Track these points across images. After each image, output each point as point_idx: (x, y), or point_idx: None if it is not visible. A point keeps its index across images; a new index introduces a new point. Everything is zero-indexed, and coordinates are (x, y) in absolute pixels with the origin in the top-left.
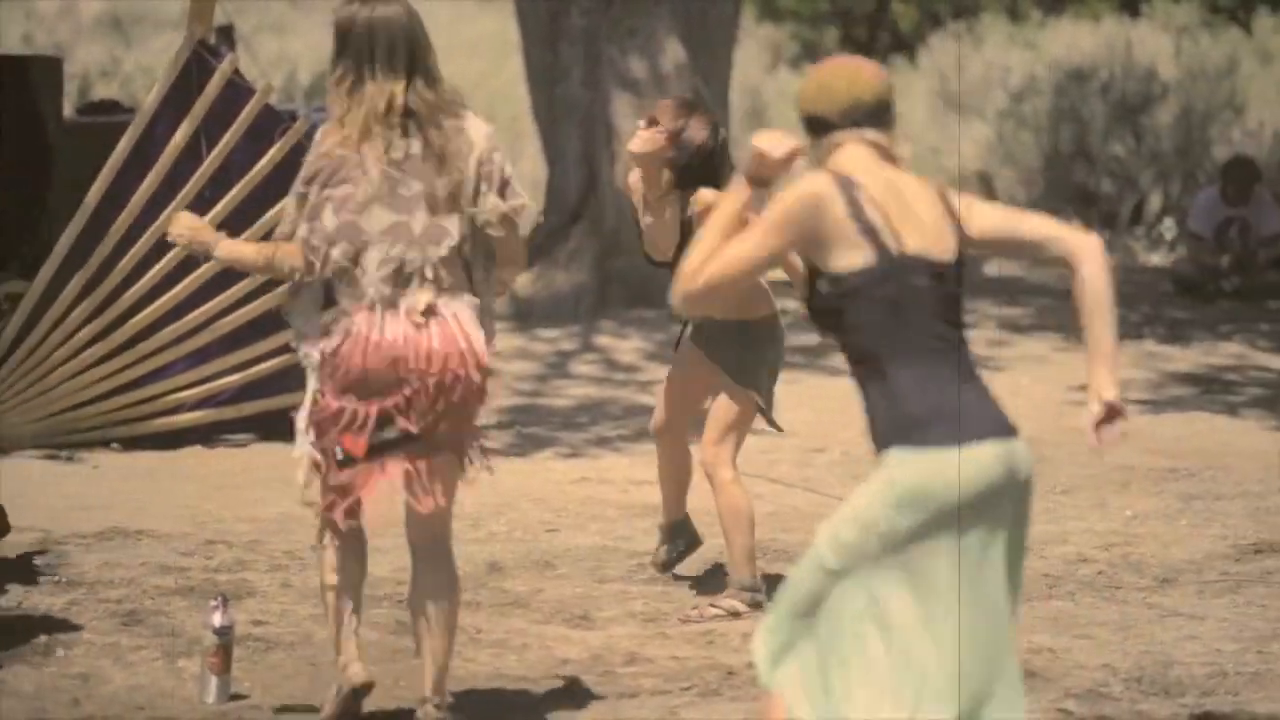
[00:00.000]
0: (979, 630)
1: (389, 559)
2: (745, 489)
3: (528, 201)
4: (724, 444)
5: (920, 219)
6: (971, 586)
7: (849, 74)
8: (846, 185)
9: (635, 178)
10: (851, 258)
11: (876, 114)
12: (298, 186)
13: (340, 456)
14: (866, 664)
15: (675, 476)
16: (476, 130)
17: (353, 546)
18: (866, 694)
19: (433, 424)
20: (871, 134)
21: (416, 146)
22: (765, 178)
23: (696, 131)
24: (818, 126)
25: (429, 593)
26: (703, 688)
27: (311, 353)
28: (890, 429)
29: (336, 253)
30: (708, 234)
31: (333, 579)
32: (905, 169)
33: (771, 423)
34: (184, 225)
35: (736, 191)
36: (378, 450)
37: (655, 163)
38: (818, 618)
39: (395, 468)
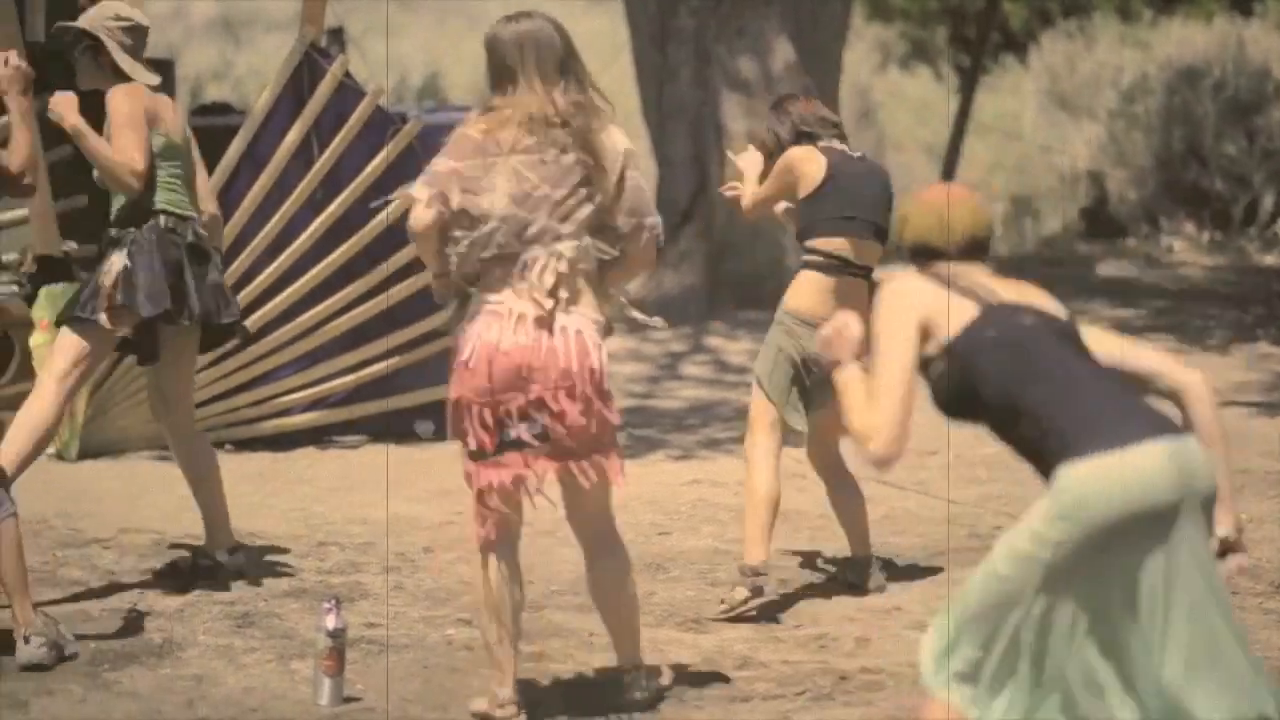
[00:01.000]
0: (1178, 634)
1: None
2: (774, 474)
3: (658, 219)
4: (754, 428)
5: (1026, 292)
6: (1159, 592)
7: (967, 207)
8: (935, 274)
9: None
10: (955, 320)
11: (985, 246)
12: (442, 163)
13: (472, 448)
14: (1047, 672)
15: (848, 510)
16: (617, 144)
17: (508, 562)
18: (1045, 701)
19: (560, 429)
20: (978, 269)
21: (555, 151)
22: (851, 355)
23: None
24: (927, 255)
25: (606, 575)
26: (815, 692)
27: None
28: (1049, 451)
29: (501, 237)
30: (854, 407)
31: (490, 597)
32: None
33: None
34: None
35: (846, 376)
36: (505, 447)
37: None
38: (992, 625)
39: (520, 466)
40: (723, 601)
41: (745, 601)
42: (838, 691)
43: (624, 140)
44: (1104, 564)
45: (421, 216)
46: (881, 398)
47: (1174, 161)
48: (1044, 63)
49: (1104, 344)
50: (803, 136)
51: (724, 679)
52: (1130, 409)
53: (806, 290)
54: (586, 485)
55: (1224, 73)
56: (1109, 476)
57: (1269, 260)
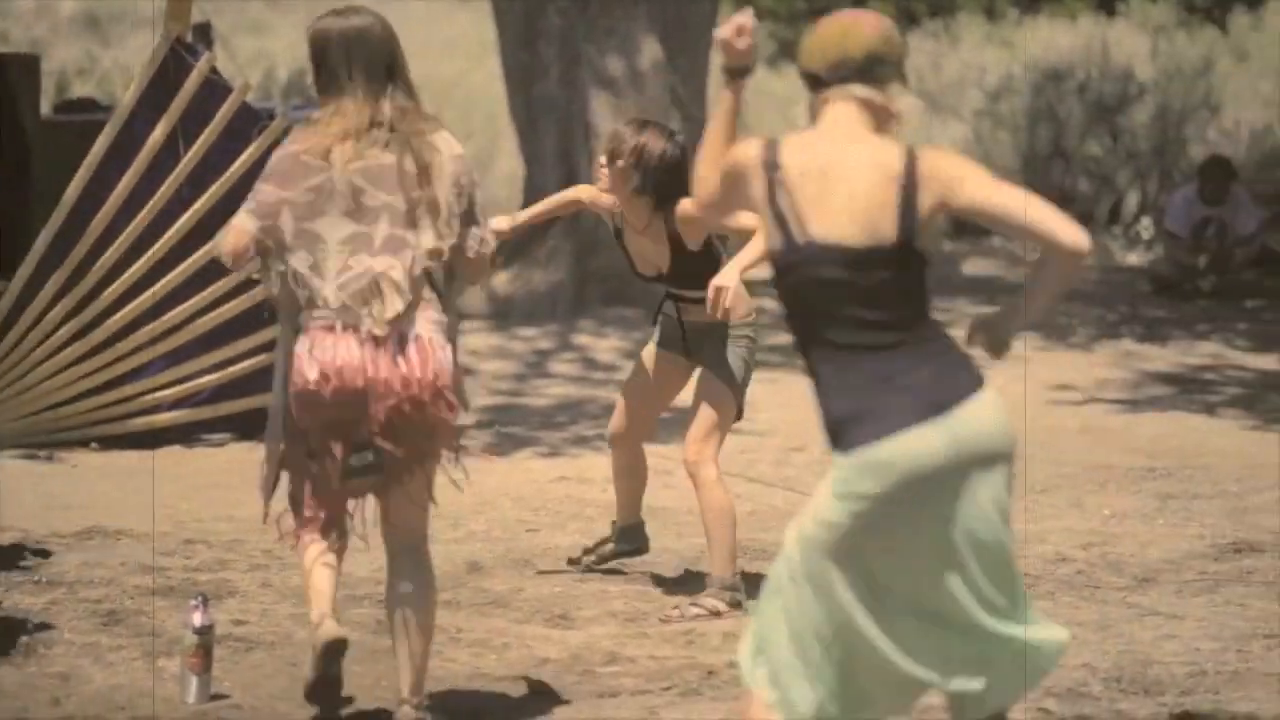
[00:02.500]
0: (943, 611)
1: (368, 558)
2: (727, 488)
3: (488, 235)
4: (708, 443)
5: (844, 204)
6: (924, 571)
7: (843, 28)
8: (769, 165)
9: (608, 203)
10: (770, 239)
11: (867, 69)
12: (258, 184)
13: (315, 481)
14: (834, 656)
15: (634, 480)
16: (450, 149)
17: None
18: (811, 686)
19: (403, 442)
20: (860, 90)
21: (389, 158)
22: (739, 65)
23: (654, 145)
24: (810, 83)
25: (406, 594)
26: (683, 687)
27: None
28: (825, 428)
29: (295, 260)
30: (710, 141)
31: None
32: (897, 126)
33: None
34: None
35: (724, 92)
36: (352, 474)
37: (626, 193)
38: (790, 614)
39: (368, 489)
40: (675, 608)
41: (715, 613)
42: (705, 687)
43: (457, 146)
44: (889, 534)
45: (236, 246)
46: (700, 178)
47: (1039, 161)
48: (909, 62)
49: (985, 192)
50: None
51: (591, 675)
52: (902, 394)
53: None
54: (412, 495)
55: (1089, 73)
56: (877, 463)
57: (1132, 259)
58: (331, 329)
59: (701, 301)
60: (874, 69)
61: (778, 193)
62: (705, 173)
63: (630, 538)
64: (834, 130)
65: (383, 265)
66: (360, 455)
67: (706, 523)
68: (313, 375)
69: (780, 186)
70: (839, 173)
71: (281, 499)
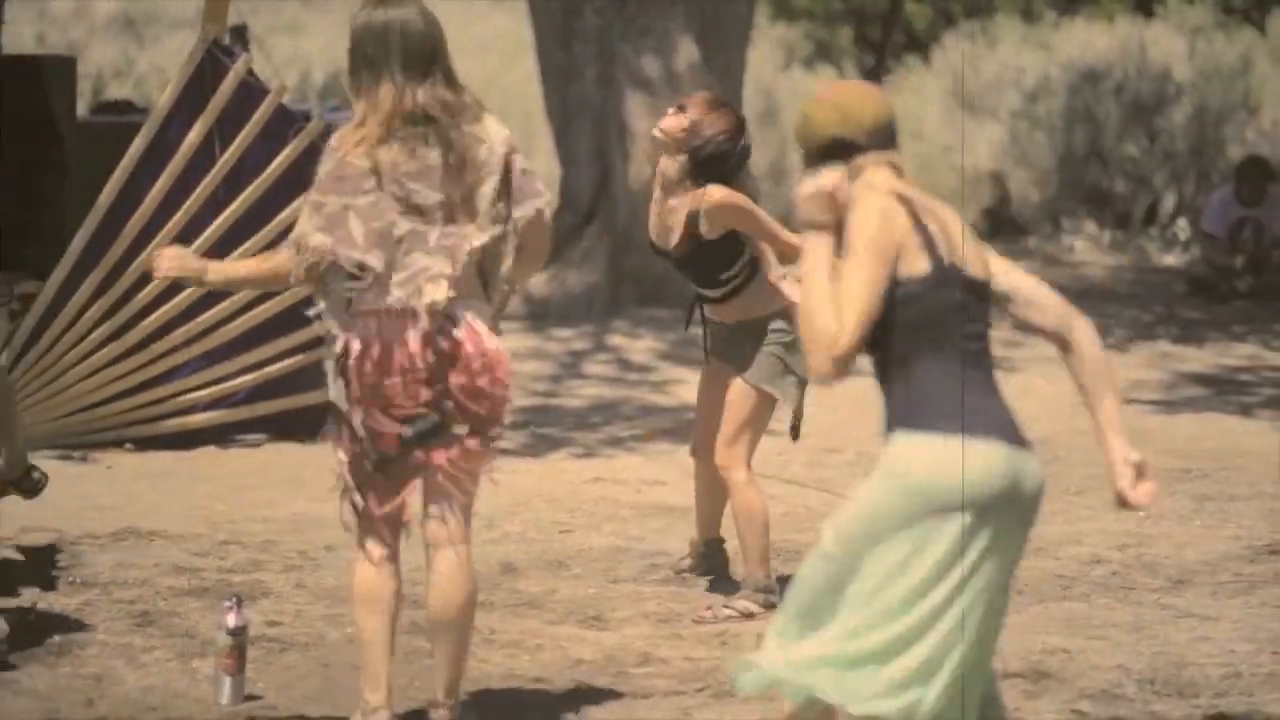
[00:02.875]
0: (974, 625)
1: (405, 560)
2: (760, 490)
3: (549, 196)
4: (738, 444)
5: (960, 238)
6: (972, 582)
7: (867, 96)
8: (904, 199)
9: (662, 161)
10: (914, 265)
11: (894, 135)
12: (313, 194)
13: (374, 458)
14: (872, 647)
15: (712, 495)
16: (495, 135)
17: (389, 566)
18: (869, 678)
19: (455, 420)
20: (892, 155)
21: (435, 155)
22: (834, 218)
23: (715, 125)
24: (842, 150)
25: (444, 594)
26: (716, 688)
27: (351, 342)
28: (904, 412)
29: (372, 260)
30: (816, 294)
31: (363, 598)
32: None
33: (795, 431)
34: (169, 259)
35: (817, 242)
36: (409, 442)
37: (673, 148)
38: (829, 610)
39: (436, 455)
40: (708, 609)
41: (749, 615)
42: None
43: (502, 129)
44: (919, 539)
45: (317, 257)
46: (847, 307)
47: (1076, 162)
48: (947, 63)
49: (1011, 275)
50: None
51: (625, 676)
52: (992, 411)
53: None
54: (450, 483)
55: (1126, 74)
56: (940, 458)
57: (1169, 260)
58: (382, 314)
59: (719, 301)
60: (895, 135)
61: (923, 219)
62: (828, 319)
63: (711, 555)
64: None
65: (436, 258)
66: (414, 423)
67: (738, 526)
68: (364, 356)
69: (923, 214)
70: (942, 214)
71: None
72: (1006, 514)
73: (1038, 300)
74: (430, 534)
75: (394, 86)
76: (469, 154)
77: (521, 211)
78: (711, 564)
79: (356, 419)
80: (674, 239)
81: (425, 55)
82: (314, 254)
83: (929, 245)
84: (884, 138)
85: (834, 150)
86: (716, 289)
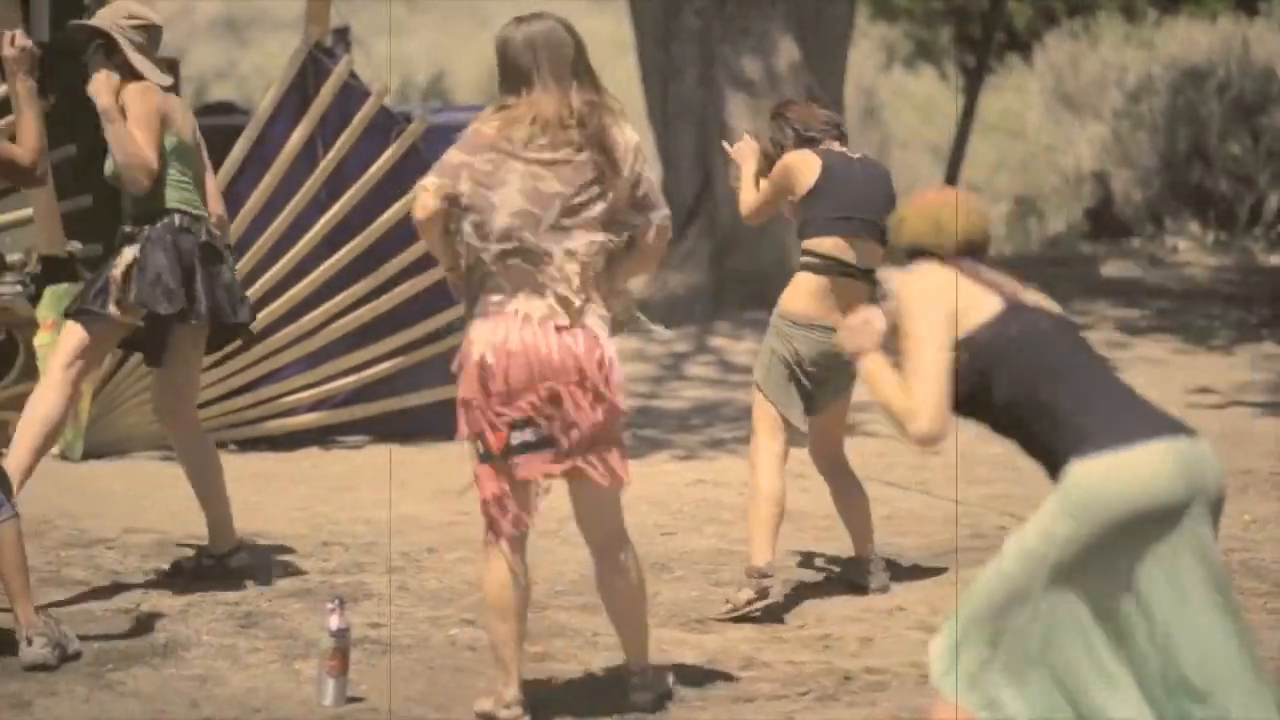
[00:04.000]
0: (1178, 634)
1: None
2: (776, 475)
3: (668, 223)
4: (760, 434)
5: (1017, 283)
6: (1165, 590)
7: (964, 211)
8: (957, 264)
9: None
10: (978, 313)
11: (983, 247)
12: (454, 154)
13: (481, 450)
14: (1056, 670)
15: (845, 509)
16: (630, 139)
17: (514, 562)
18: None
19: (571, 428)
20: (973, 266)
21: (571, 154)
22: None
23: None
24: (927, 257)
25: (616, 580)
26: (819, 692)
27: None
28: (1061, 448)
29: (467, 222)
30: (884, 385)
31: (496, 597)
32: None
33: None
34: None
35: (875, 360)
36: (516, 450)
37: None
38: (1000, 624)
39: (531, 468)
40: (727, 602)
41: (750, 603)
42: (842, 692)
43: (634, 136)
44: (1111, 562)
45: (426, 204)
46: (920, 377)
47: (1179, 162)
48: (1049, 62)
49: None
50: (804, 142)
51: (728, 679)
52: (1141, 409)
53: (800, 292)
54: (599, 481)
55: (1229, 73)
56: (1118, 473)
57: (1274, 260)
58: (505, 313)
59: None
60: (986, 249)
61: (982, 271)
62: (906, 402)
63: (856, 570)
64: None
65: (548, 248)
66: (521, 432)
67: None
68: (484, 354)
69: (982, 268)
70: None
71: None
72: (1189, 507)
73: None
74: (587, 533)
75: (547, 91)
76: (611, 155)
77: (646, 219)
78: (858, 578)
79: (479, 416)
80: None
81: (570, 61)
82: (422, 195)
83: (992, 286)
84: (970, 249)
85: (919, 255)
86: None
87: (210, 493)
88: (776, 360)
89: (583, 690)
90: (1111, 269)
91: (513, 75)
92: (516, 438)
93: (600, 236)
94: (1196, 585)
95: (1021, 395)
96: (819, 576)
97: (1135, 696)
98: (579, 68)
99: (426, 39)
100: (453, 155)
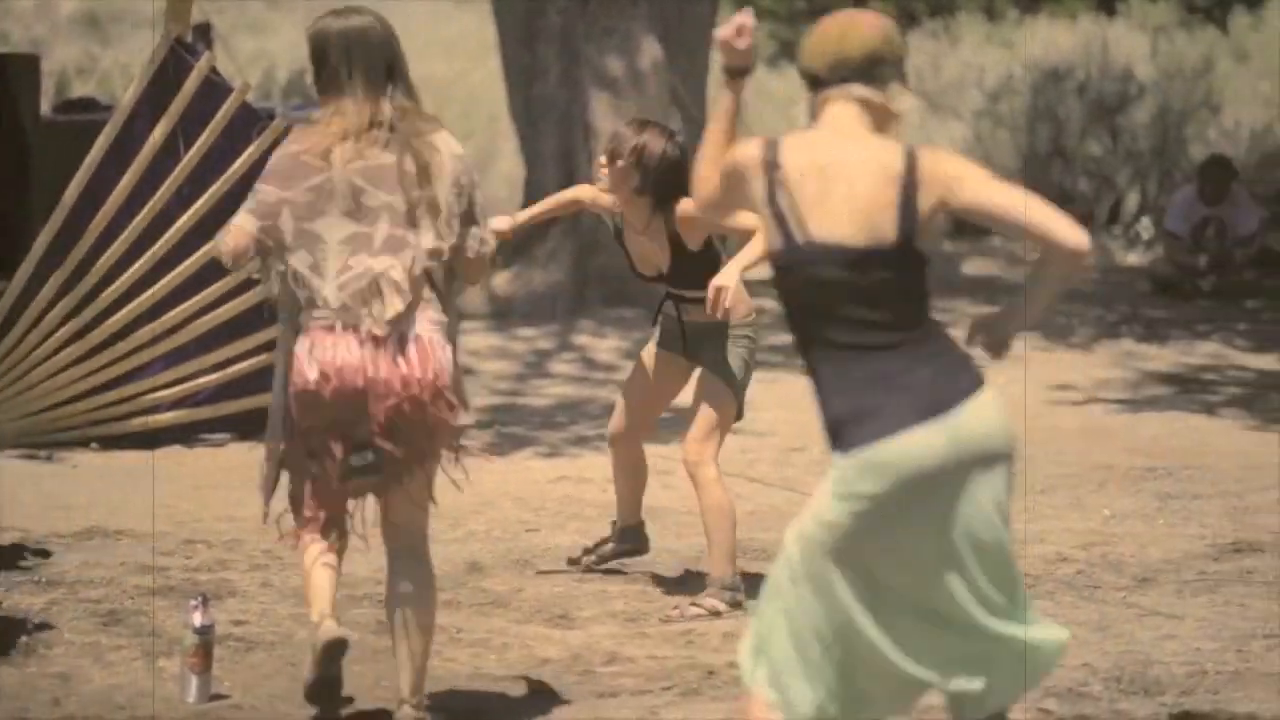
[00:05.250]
0: (942, 611)
1: (368, 559)
2: (727, 488)
3: (494, 240)
4: (708, 442)
5: (843, 203)
6: (924, 571)
7: (842, 28)
8: (769, 164)
9: (608, 202)
10: (770, 239)
11: (866, 69)
12: (258, 184)
13: (313, 471)
14: (834, 656)
15: (634, 480)
16: (450, 149)
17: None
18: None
19: (403, 442)
20: (860, 90)
21: (389, 158)
22: (739, 65)
23: (654, 145)
24: (810, 82)
25: (406, 593)
26: (683, 687)
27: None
28: (825, 428)
29: (295, 260)
30: (710, 141)
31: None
32: (897, 126)
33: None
34: None
35: (721, 94)
36: (352, 474)
37: (627, 193)
38: (790, 614)
39: (364, 488)
40: (675, 608)
41: (715, 613)
42: (705, 686)
43: (457, 146)
44: (889, 534)
45: (236, 246)
46: (703, 171)
47: (1039, 161)
48: (910, 62)
49: (984, 193)
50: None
51: (591, 674)
52: (901, 392)
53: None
54: (416, 494)
55: (1088, 73)
56: (877, 463)
57: (1132, 259)
58: (331, 329)
59: (701, 301)
60: (874, 69)
61: (777, 192)
62: (706, 172)
63: (630, 538)
64: (834, 130)
65: (382, 265)
66: (360, 455)
67: (706, 523)
68: (313, 375)
69: (780, 186)
70: (839, 172)
71: (282, 499)
72: (950, 485)
73: (1038, 230)
74: (388, 535)
75: (356, 96)
76: (426, 161)
77: (462, 229)
78: (633, 547)
79: (302, 437)
80: (664, 263)
81: (385, 64)
82: (234, 234)
83: (779, 219)
84: (850, 72)
85: (806, 82)
86: (701, 291)
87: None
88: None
89: (447, 687)
90: (971, 267)
91: (325, 75)
92: (355, 461)
93: (431, 243)
94: (981, 535)
95: (797, 341)
96: (681, 572)
97: (937, 668)
98: (395, 70)
99: (288, 36)
100: (267, 192)
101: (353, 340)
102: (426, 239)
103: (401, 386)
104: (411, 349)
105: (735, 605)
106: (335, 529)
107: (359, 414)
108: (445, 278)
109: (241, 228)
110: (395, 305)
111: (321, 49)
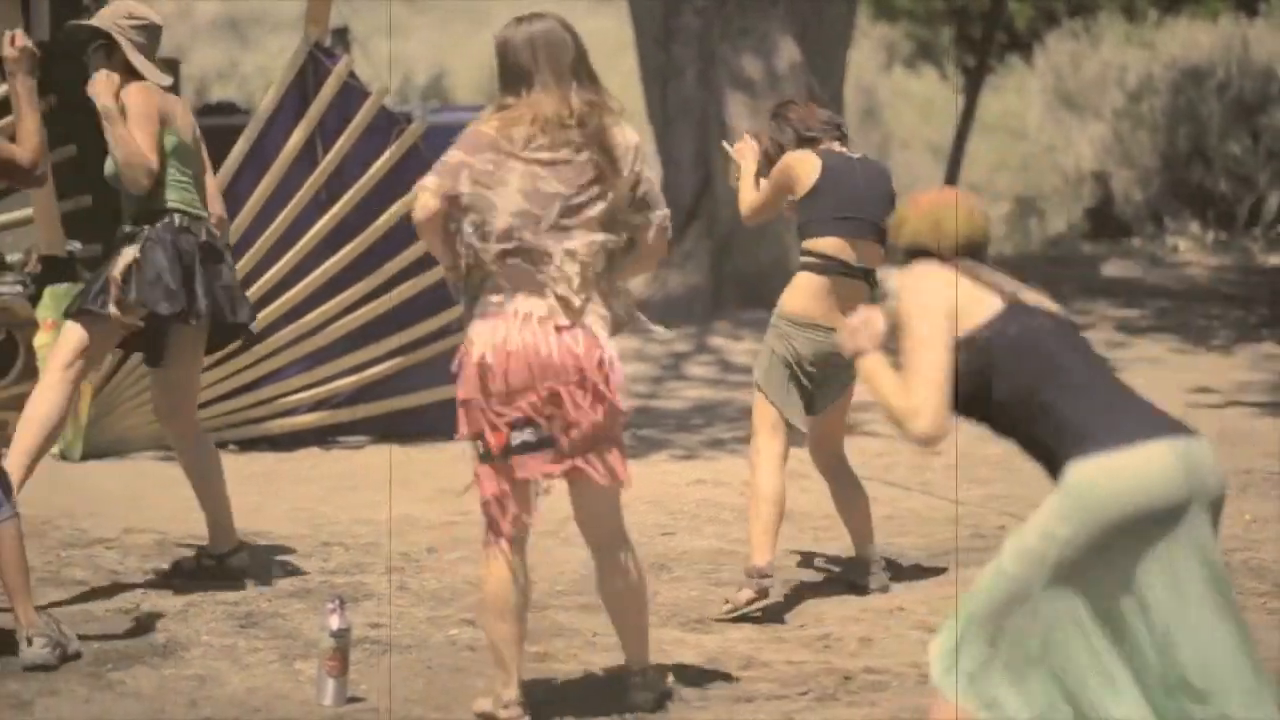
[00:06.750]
0: (1178, 634)
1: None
2: (779, 476)
3: (669, 212)
4: (760, 434)
5: (1017, 283)
6: (1165, 590)
7: (965, 211)
8: (956, 264)
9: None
10: (978, 313)
11: (982, 249)
12: (453, 154)
13: (480, 450)
14: (1055, 670)
15: (842, 507)
16: (626, 140)
17: (514, 562)
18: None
19: (570, 428)
20: (973, 267)
21: (570, 153)
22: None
23: (764, 138)
24: (926, 257)
25: (616, 581)
26: (819, 692)
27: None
28: (1061, 448)
29: (466, 222)
30: (884, 384)
31: (496, 597)
32: None
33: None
34: None
35: (875, 360)
36: (515, 450)
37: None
38: (1000, 623)
39: (531, 468)
40: (727, 602)
41: (750, 602)
42: (841, 692)
43: (634, 136)
44: (1111, 562)
45: (426, 204)
46: (920, 377)
47: (1179, 161)
48: (1049, 62)
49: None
50: (804, 142)
51: (728, 679)
52: (1140, 409)
53: (799, 292)
54: (599, 481)
55: (1229, 73)
56: (1117, 473)
57: (1273, 260)
58: (505, 313)
59: None
60: (984, 251)
61: (982, 272)
62: (906, 402)
63: (856, 570)
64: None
65: (552, 248)
66: (521, 432)
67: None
68: (484, 354)
69: (981, 269)
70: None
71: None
72: (1188, 508)
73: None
74: (587, 533)
75: (547, 92)
76: (611, 154)
77: (646, 219)
78: (859, 581)
79: (479, 416)
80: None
81: (570, 61)
82: (422, 195)
83: (993, 286)
84: (970, 249)
85: (914, 255)
86: None
87: (210, 493)
88: (777, 360)
89: (583, 690)
90: (1111, 269)
91: (512, 75)
92: (516, 438)
93: (600, 236)
94: (1196, 585)
95: (1021, 395)
96: (819, 577)
97: (1134, 696)
98: (579, 68)
99: (426, 39)
100: (452, 155)
101: (527, 326)
102: (597, 233)
103: (570, 374)
104: (579, 334)
105: (761, 593)
106: (520, 528)
107: (528, 393)
108: (612, 269)
109: (424, 186)
110: (563, 291)
111: (511, 53)
